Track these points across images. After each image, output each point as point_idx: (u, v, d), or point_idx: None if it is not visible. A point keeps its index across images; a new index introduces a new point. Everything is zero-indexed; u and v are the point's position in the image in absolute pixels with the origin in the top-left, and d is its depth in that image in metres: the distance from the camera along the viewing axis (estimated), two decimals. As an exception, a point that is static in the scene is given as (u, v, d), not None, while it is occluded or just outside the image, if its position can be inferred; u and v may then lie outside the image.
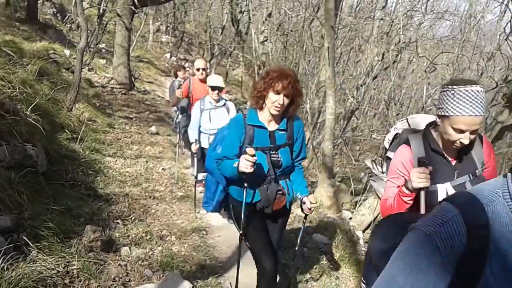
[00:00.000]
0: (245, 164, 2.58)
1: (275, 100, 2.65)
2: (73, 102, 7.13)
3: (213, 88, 5.08)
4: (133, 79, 13.47)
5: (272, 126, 2.86)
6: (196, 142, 5.28)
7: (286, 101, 2.69)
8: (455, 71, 10.14)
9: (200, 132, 5.35)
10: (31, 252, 3.05)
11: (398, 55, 11.62)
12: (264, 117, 2.84)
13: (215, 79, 5.17)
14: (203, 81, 5.85)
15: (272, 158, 2.85)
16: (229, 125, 2.98)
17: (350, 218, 6.18)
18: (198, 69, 6.03)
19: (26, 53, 7.87)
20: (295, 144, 2.95)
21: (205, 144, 5.20)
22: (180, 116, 7.21)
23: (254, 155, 2.56)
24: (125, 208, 4.90)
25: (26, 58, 7.40)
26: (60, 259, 3.14)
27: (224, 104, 5.29)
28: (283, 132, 2.87)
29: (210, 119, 5.19)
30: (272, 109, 2.71)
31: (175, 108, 8.62)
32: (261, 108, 2.83)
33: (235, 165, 2.68)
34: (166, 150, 8.06)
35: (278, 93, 2.64)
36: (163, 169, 6.91)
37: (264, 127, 2.83)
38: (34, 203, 3.74)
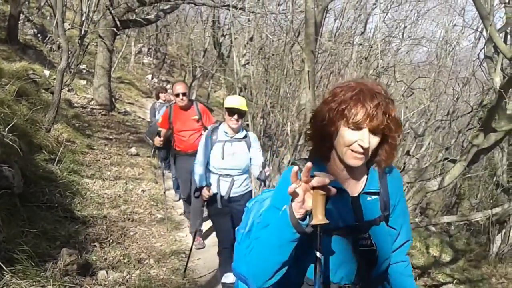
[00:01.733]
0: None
1: (353, 141, 1.42)
2: (51, 122, 7.04)
3: (232, 111, 3.71)
4: (113, 100, 13.40)
5: (353, 187, 1.58)
6: (208, 187, 3.90)
7: (375, 140, 1.44)
8: (431, 96, 10.38)
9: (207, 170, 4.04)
10: (5, 276, 2.98)
11: (377, 79, 11.84)
12: (336, 172, 1.55)
13: (236, 100, 3.79)
14: (185, 108, 5.18)
15: (361, 248, 1.53)
16: (279, 187, 1.56)
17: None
18: (177, 95, 5.10)
19: (5, 73, 7.78)
20: (392, 216, 1.64)
21: (212, 188, 3.93)
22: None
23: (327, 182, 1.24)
24: (102, 231, 4.82)
25: (5, 78, 7.32)
26: (34, 283, 3.07)
27: (245, 137, 3.95)
28: (374, 197, 1.59)
29: (224, 154, 3.83)
30: (349, 158, 1.45)
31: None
32: (327, 158, 1.57)
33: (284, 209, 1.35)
34: (146, 172, 7.99)
35: (358, 127, 1.41)
36: (142, 190, 6.84)
37: (343, 190, 1.52)
38: (9, 225, 3.66)
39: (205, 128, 5.04)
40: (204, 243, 5.45)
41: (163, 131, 5.34)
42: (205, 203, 4.08)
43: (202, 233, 5.63)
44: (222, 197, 3.87)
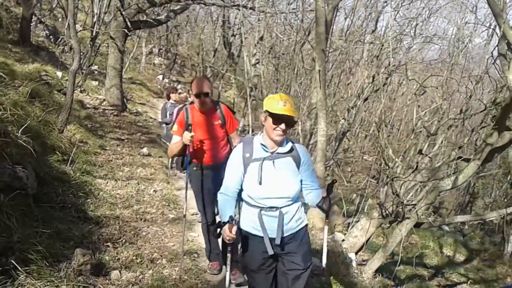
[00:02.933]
0: None
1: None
2: (64, 123, 7.10)
3: (280, 119, 2.68)
4: (125, 101, 13.50)
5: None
6: (234, 222, 2.71)
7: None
8: (444, 94, 10.28)
9: (240, 200, 3.01)
10: (20, 276, 3.00)
11: (388, 78, 11.77)
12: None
13: (285, 104, 2.69)
14: (206, 111, 4.05)
15: None
16: None
17: (343, 240, 6.15)
18: (199, 95, 3.90)
19: (18, 75, 7.87)
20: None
21: (247, 227, 2.90)
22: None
23: None
24: (115, 231, 4.84)
25: (18, 80, 7.40)
26: (49, 283, 3.09)
27: (291, 150, 2.87)
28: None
29: (261, 178, 2.78)
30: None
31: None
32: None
33: None
34: (157, 172, 8.02)
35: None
36: (154, 191, 6.86)
37: None
38: (23, 226, 3.69)
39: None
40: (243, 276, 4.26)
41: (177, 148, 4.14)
42: (230, 249, 2.98)
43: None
44: (272, 240, 2.80)
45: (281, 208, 2.79)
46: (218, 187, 3.00)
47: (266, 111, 2.71)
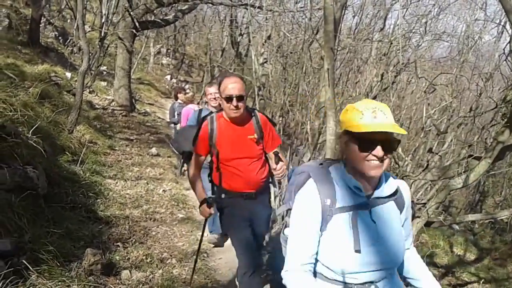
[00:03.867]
0: None
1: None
2: (74, 124, 7.15)
3: (371, 141, 1.63)
4: (133, 101, 13.55)
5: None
6: None
7: None
8: (453, 92, 10.19)
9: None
10: (31, 276, 3.02)
11: (397, 76, 11.70)
12: None
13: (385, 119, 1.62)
14: (239, 121, 3.16)
15: None
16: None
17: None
18: (229, 98, 3.01)
19: (28, 76, 7.93)
20: None
21: None
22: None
23: None
24: (125, 231, 4.86)
25: (28, 81, 7.46)
26: (60, 283, 3.11)
27: (395, 193, 1.79)
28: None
29: (359, 241, 1.67)
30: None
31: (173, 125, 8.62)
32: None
33: None
34: (166, 172, 8.04)
35: None
36: (163, 190, 6.88)
37: None
38: (34, 226, 3.72)
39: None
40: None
41: (198, 159, 3.31)
42: None
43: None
44: None
45: (377, 283, 1.73)
46: (259, 227, 3.30)
47: (346, 131, 1.70)
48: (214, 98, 4.69)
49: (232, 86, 3.01)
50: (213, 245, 5.20)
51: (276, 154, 3.12)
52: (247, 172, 3.17)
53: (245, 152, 3.16)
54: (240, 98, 3.00)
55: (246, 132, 3.17)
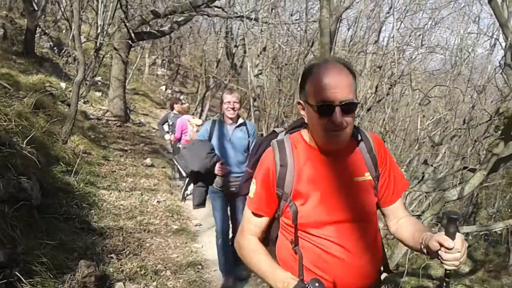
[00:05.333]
0: None
1: None
2: (68, 134, 7.12)
3: None
4: (128, 112, 13.53)
5: None
6: None
7: None
8: (447, 104, 10.26)
9: None
10: (24, 288, 2.98)
11: (391, 88, 11.77)
12: None
13: None
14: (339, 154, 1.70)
15: None
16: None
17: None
18: (329, 107, 1.52)
19: (22, 86, 7.90)
20: None
21: None
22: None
23: None
24: (119, 242, 4.82)
25: (23, 91, 7.43)
26: (53, 296, 3.07)
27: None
28: None
29: None
30: None
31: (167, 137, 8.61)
32: None
33: None
34: (161, 183, 8.01)
35: None
36: (158, 201, 6.85)
37: None
38: (28, 237, 3.68)
39: None
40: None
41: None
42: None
43: None
44: None
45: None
46: None
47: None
48: (233, 108, 4.10)
49: (333, 82, 1.63)
50: None
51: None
52: (356, 251, 1.66)
53: (353, 210, 1.67)
54: (348, 106, 1.56)
55: (352, 170, 1.71)
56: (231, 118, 4.15)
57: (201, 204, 4.19)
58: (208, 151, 3.96)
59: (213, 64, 21.46)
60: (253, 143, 4.07)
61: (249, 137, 4.24)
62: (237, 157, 4.17)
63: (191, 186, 7.49)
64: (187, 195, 5.09)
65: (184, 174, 4.45)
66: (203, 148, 3.98)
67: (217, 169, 3.98)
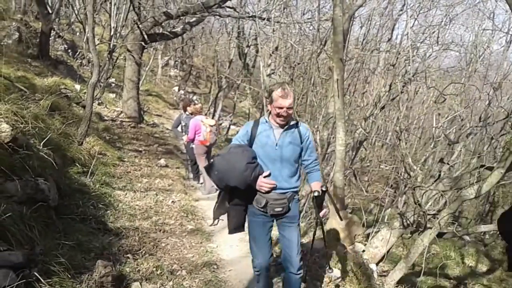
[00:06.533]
0: None
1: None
2: (83, 136, 7.18)
3: None
4: (142, 113, 13.61)
5: None
6: None
7: None
8: (462, 101, 10.15)
9: None
10: (43, 288, 3.02)
11: (405, 86, 11.68)
12: None
13: None
14: None
15: None
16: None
17: (363, 251, 6.06)
18: None
19: (38, 88, 8.00)
20: None
21: None
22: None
23: None
24: (135, 242, 4.85)
25: (38, 93, 7.52)
26: (71, 296, 3.10)
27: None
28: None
29: None
30: None
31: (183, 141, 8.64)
32: None
33: None
34: (175, 183, 8.04)
35: None
36: (172, 202, 6.87)
37: None
38: (46, 238, 3.72)
39: None
40: None
41: None
42: None
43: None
44: None
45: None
46: None
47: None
48: (285, 116, 3.27)
49: None
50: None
51: None
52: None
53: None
54: None
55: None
56: (281, 125, 3.34)
57: (238, 227, 3.49)
58: (249, 161, 3.20)
59: (226, 64, 21.50)
60: (307, 150, 3.48)
61: (301, 142, 3.41)
62: (286, 168, 3.34)
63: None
64: (219, 220, 3.80)
65: (215, 188, 3.74)
66: (242, 157, 3.21)
67: (260, 184, 3.28)
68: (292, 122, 3.38)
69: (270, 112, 3.38)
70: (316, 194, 3.40)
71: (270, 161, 3.32)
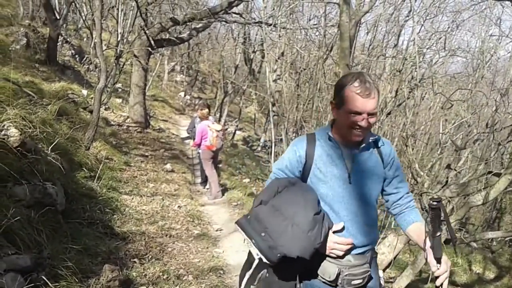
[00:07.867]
0: None
1: None
2: (91, 140, 7.22)
3: None
4: (148, 118, 13.67)
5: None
6: None
7: None
8: (469, 107, 10.12)
9: None
10: (50, 292, 3.03)
11: (411, 92, 11.67)
12: None
13: None
14: None
15: None
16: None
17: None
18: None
19: (45, 93, 8.05)
20: None
21: None
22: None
23: None
24: (141, 247, 4.86)
25: (46, 98, 7.57)
26: (78, 300, 3.11)
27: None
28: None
29: None
30: None
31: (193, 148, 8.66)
32: None
33: None
34: (181, 188, 8.05)
35: None
36: (179, 206, 6.89)
37: None
38: (53, 242, 3.74)
39: None
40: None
41: None
42: None
43: None
44: None
45: None
46: None
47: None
48: (366, 128, 1.98)
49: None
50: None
51: None
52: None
53: None
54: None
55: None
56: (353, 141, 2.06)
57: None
58: (316, 210, 1.92)
59: (231, 69, 21.58)
60: (395, 178, 2.18)
61: (384, 167, 2.13)
62: (364, 214, 2.10)
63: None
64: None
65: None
66: (304, 204, 1.93)
67: (330, 245, 2.01)
68: (371, 138, 2.09)
69: (333, 122, 2.16)
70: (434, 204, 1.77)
71: (340, 204, 2.06)
